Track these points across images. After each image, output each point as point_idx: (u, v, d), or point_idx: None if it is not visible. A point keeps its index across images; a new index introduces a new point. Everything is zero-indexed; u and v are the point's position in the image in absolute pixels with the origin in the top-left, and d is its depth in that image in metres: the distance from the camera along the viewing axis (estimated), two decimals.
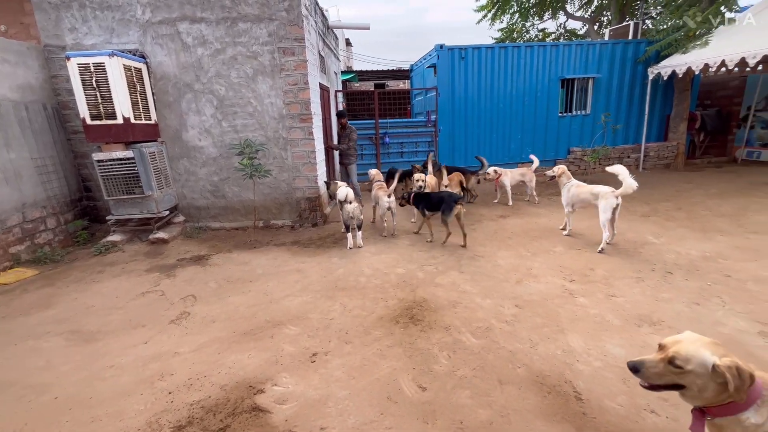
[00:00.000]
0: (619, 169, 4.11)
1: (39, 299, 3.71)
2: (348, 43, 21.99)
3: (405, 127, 8.88)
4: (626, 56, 8.91)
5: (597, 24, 14.63)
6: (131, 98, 4.86)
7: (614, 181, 4.26)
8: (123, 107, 4.75)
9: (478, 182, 7.05)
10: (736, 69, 7.46)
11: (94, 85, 4.64)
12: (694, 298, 3.17)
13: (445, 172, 6.19)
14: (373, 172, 5.93)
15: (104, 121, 4.78)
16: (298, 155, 5.71)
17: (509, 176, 6.71)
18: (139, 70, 5.08)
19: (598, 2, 14.17)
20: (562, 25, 16.13)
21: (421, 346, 2.68)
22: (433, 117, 8.66)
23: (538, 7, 14.65)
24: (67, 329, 3.14)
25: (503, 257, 4.28)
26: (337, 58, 10.06)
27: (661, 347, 1.36)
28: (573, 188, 4.73)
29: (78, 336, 3.03)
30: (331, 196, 6.10)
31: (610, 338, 2.68)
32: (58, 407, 2.25)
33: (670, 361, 1.28)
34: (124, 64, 4.74)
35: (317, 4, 6.58)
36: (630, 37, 9.44)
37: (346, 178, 7.09)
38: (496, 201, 6.92)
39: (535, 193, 6.80)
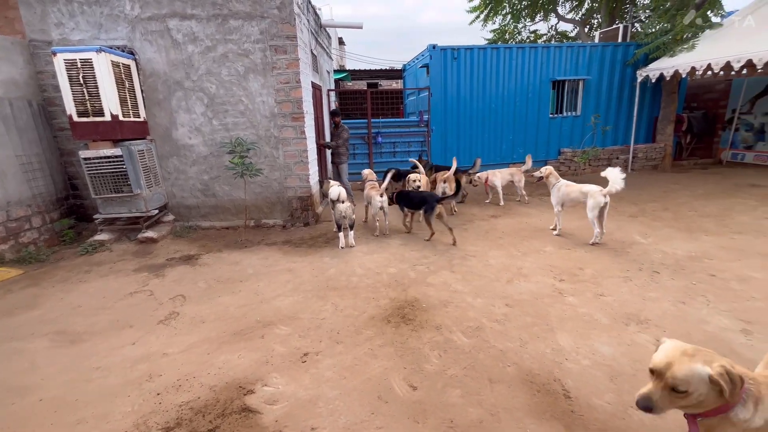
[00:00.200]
0: (612, 174, 4.17)
1: (23, 300, 3.63)
2: (341, 42, 21.92)
3: (397, 126, 8.88)
4: (616, 59, 9.03)
5: (587, 26, 14.82)
6: (119, 95, 4.79)
7: (604, 182, 4.33)
8: (111, 104, 4.68)
9: (470, 182, 7.10)
10: (722, 72, 7.64)
11: (81, 82, 4.56)
12: (680, 297, 3.23)
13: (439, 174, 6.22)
14: (366, 171, 5.93)
15: (91, 118, 4.69)
16: (290, 154, 5.68)
17: (499, 177, 6.76)
18: (127, 67, 5.00)
19: (588, 5, 14.36)
20: (554, 27, 16.32)
21: (413, 345, 2.69)
22: (425, 117, 8.69)
23: (530, 8, 14.80)
24: (52, 330, 3.08)
25: (494, 257, 4.31)
26: (330, 57, 10.04)
27: (654, 373, 1.35)
28: (563, 188, 4.79)
29: (64, 337, 2.98)
30: (324, 195, 6.08)
31: (598, 337, 2.72)
32: (43, 409, 2.21)
33: (673, 389, 1.29)
34: (112, 60, 4.66)
35: (310, 2, 6.55)
36: (620, 39, 9.60)
37: (338, 177, 7.07)
38: (487, 201, 6.97)
39: (524, 192, 6.87)
